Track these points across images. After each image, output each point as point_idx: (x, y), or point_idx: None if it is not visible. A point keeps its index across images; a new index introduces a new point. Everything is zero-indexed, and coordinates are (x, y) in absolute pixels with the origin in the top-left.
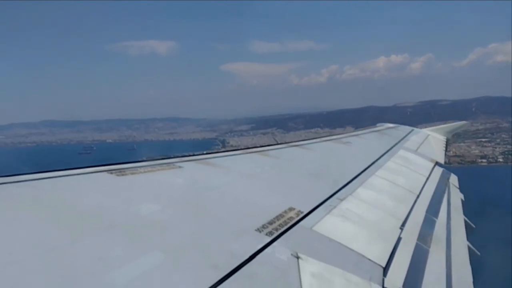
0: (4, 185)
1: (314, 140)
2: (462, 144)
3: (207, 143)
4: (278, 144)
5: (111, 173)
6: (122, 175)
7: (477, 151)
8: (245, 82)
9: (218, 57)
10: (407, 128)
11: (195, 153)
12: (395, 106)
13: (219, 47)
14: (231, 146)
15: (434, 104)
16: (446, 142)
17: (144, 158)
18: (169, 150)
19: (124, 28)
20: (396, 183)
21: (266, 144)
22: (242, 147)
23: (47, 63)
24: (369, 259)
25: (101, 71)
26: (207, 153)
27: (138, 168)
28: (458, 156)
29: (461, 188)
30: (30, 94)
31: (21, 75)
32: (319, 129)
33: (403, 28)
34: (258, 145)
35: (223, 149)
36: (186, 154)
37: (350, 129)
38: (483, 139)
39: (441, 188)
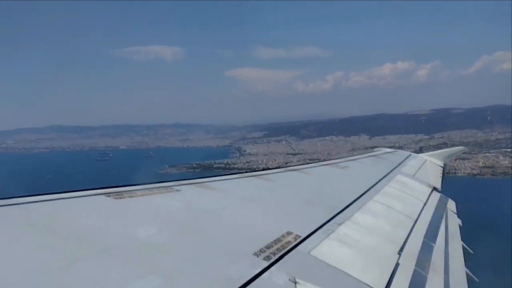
0: (2, 207)
1: (312, 165)
2: (488, 154)
3: (222, 151)
4: (276, 168)
5: (109, 196)
6: (120, 198)
7: (506, 162)
8: (251, 88)
9: (222, 63)
10: (405, 153)
11: (193, 177)
12: (406, 114)
13: (223, 52)
14: (248, 154)
15: (448, 113)
16: (444, 167)
17: (166, 166)
18: (188, 158)
19: (130, 33)
20: (393, 208)
21: (283, 152)
22: (259, 154)
23: (49, 68)
24: (367, 285)
25: (106, 76)
26: (204, 177)
27: (136, 191)
28: (489, 167)
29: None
30: (33, 98)
31: (24, 79)
32: (333, 137)
33: (407, 34)
34: (277, 152)
35: (240, 156)
36: (207, 162)
37: (364, 137)
38: (508, 149)
39: (439, 214)
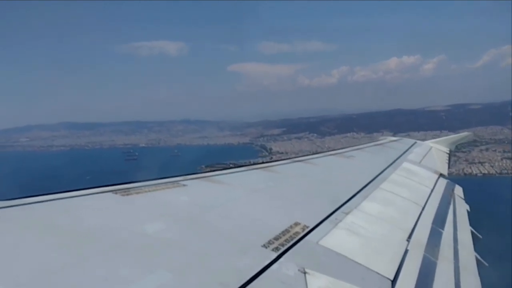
0: (12, 208)
1: (318, 155)
2: None
3: (246, 149)
4: (281, 160)
5: (116, 193)
6: (127, 195)
7: None
8: (256, 83)
9: (227, 58)
10: (410, 141)
11: (199, 171)
12: (424, 110)
13: (227, 47)
14: (277, 152)
15: (465, 108)
16: (449, 153)
17: (203, 166)
18: (217, 157)
19: (133, 29)
20: (401, 196)
21: (312, 151)
22: (289, 153)
23: (54, 66)
24: (377, 272)
25: (110, 72)
26: (210, 170)
27: (143, 187)
28: None
29: None
30: (39, 95)
31: (30, 77)
32: (354, 133)
33: (411, 28)
34: (305, 150)
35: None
36: (241, 161)
37: (387, 133)
38: None
39: (447, 200)
